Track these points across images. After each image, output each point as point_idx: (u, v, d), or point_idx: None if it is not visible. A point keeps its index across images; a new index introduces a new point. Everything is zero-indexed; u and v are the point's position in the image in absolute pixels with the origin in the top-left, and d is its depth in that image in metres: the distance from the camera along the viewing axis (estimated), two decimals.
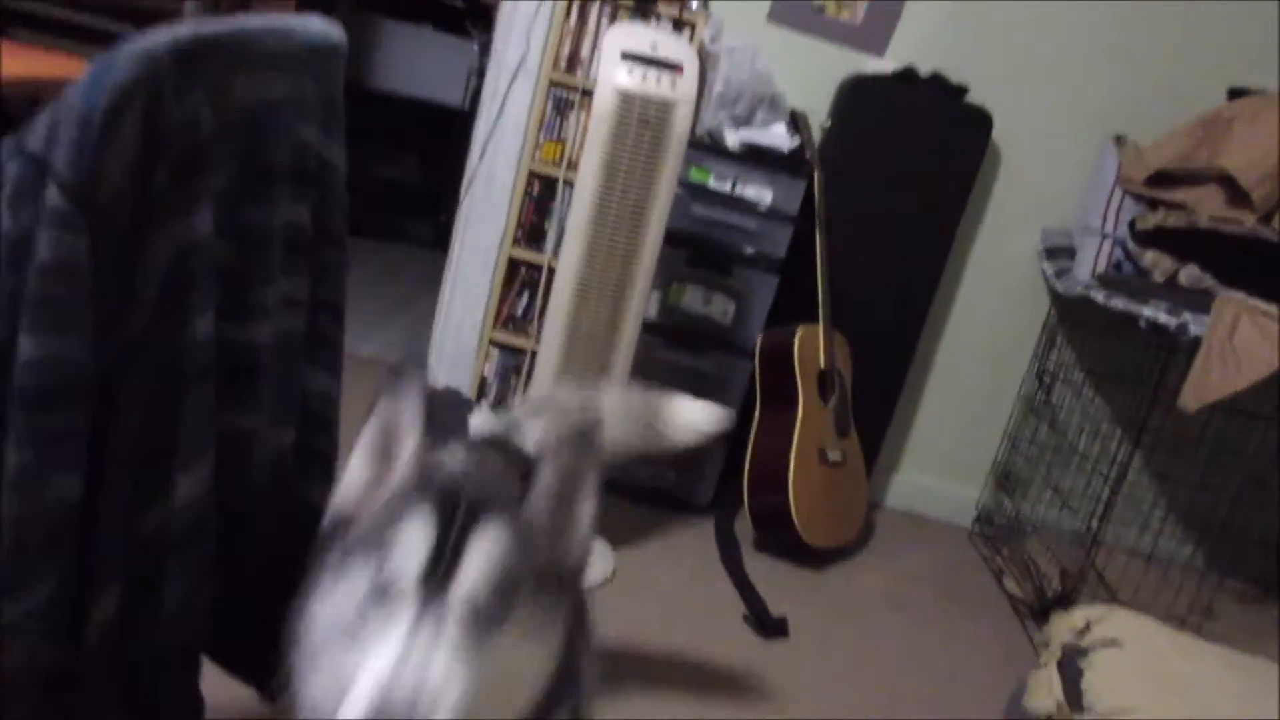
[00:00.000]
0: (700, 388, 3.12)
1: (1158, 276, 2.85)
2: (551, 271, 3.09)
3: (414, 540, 0.84)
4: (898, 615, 2.90)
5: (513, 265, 3.42)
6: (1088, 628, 1.89)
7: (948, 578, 3.22)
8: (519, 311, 3.46)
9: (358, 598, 0.83)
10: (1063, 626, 1.94)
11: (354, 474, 0.98)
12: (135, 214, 0.92)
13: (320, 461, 1.36)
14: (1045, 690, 1.87)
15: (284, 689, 1.52)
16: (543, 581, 0.88)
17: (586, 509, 0.97)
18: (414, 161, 5.59)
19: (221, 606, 1.25)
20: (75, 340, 0.89)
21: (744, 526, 3.11)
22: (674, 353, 3.12)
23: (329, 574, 0.89)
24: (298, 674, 0.91)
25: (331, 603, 0.87)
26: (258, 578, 1.31)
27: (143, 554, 1.05)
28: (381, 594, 0.82)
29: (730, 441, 3.15)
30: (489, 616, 0.82)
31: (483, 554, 0.84)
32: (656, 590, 2.68)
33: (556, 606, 0.89)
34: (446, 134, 5.08)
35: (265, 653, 1.45)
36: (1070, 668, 1.82)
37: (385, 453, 0.97)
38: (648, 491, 3.18)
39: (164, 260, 0.96)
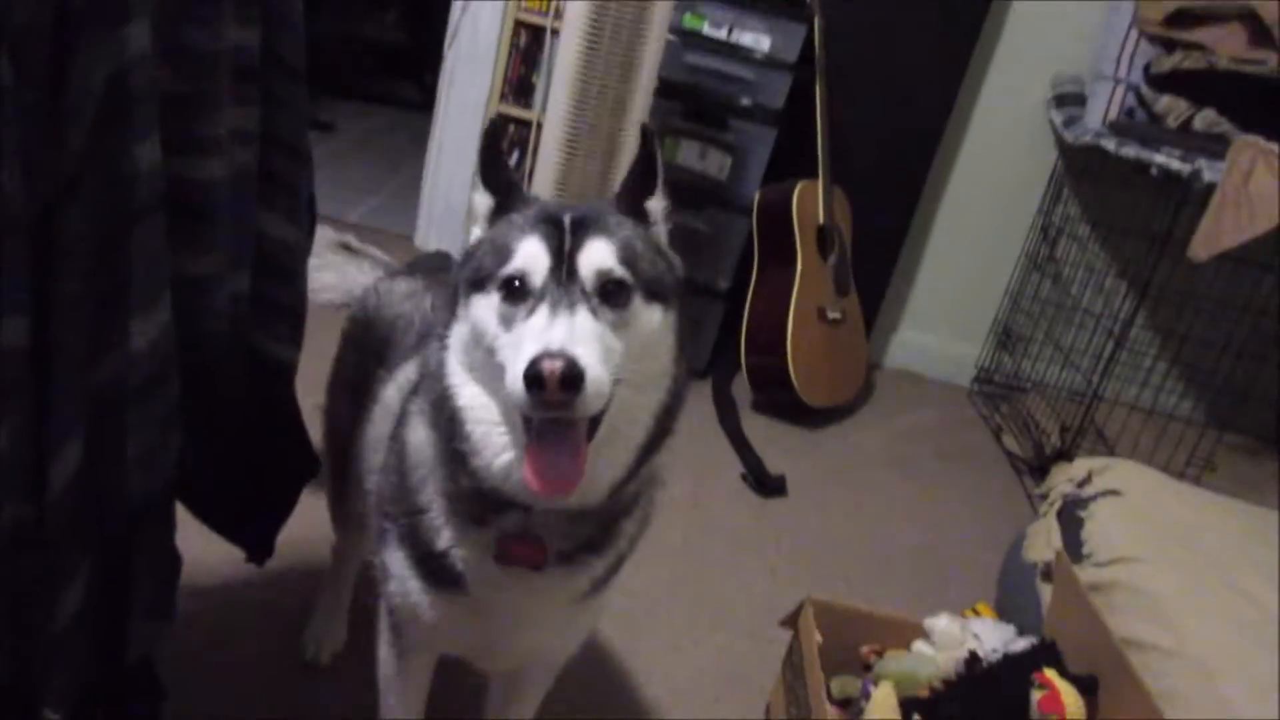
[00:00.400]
0: (696, 247, 3.07)
1: (1171, 122, 2.74)
2: (540, 128, 2.97)
3: (535, 247, 0.94)
4: (896, 473, 2.89)
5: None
6: (1089, 478, 1.86)
7: (946, 436, 3.20)
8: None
9: (495, 309, 0.93)
10: (1063, 477, 1.92)
11: (478, 208, 1.07)
12: (59, 28, 0.83)
13: (284, 314, 1.30)
14: (1044, 540, 1.86)
15: (267, 552, 1.51)
16: (653, 278, 0.97)
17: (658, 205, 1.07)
18: (395, 18, 5.35)
19: (196, 462, 1.20)
20: (7, 173, 0.81)
21: (741, 388, 3.08)
22: (670, 210, 3.02)
23: (464, 300, 0.98)
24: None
25: (476, 319, 0.96)
26: (229, 431, 1.26)
27: (101, 405, 0.99)
28: (518, 295, 0.92)
29: (727, 302, 3.10)
30: (616, 295, 0.93)
31: (596, 251, 0.94)
32: None
33: (668, 306, 0.98)
34: None
35: (245, 511, 1.43)
36: (1070, 518, 1.81)
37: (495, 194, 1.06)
38: None
39: (97, 82, 0.87)
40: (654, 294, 0.97)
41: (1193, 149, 2.59)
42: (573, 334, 0.87)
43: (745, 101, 2.92)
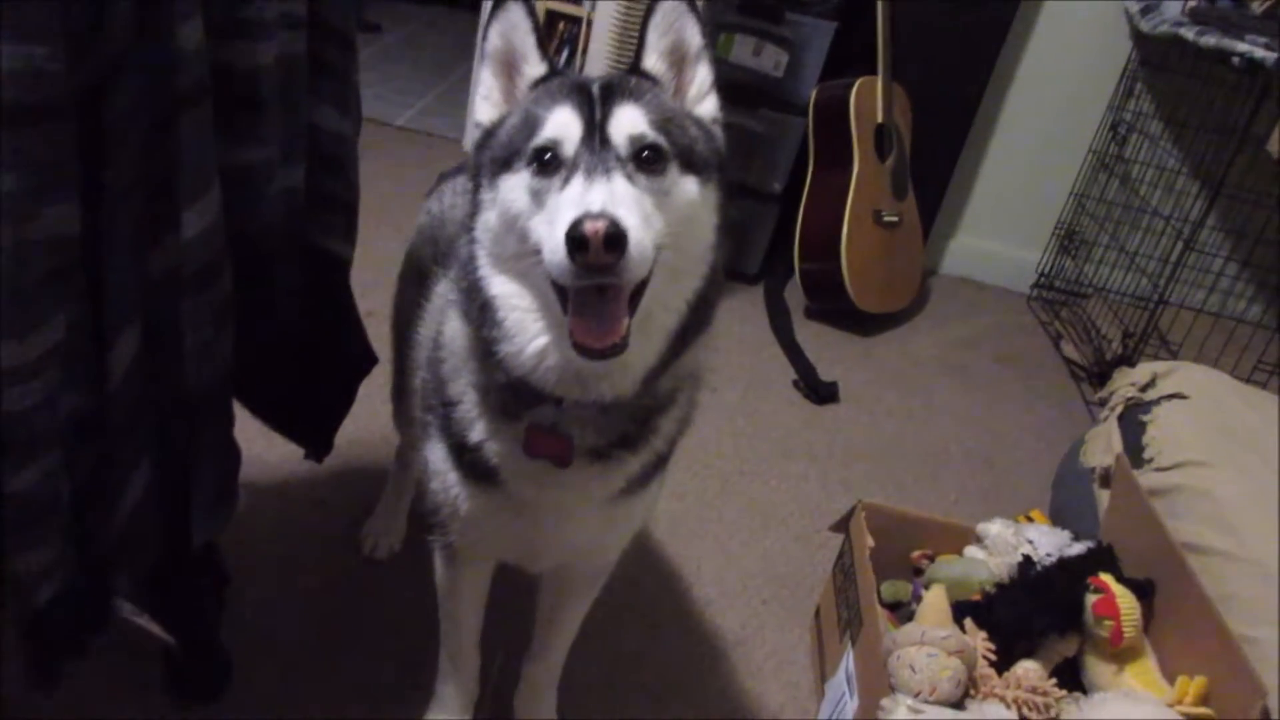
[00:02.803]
0: (751, 147, 2.99)
1: (1257, 8, 2.58)
2: (591, 24, 2.89)
3: (566, 115, 0.90)
4: (950, 380, 2.84)
5: (550, 19, 3.21)
6: (1153, 382, 1.81)
7: (1004, 342, 3.14)
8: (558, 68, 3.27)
9: (525, 186, 0.90)
10: (1125, 381, 1.87)
11: (486, 85, 1.02)
12: None
13: (337, 208, 1.29)
14: (1103, 445, 1.82)
15: (327, 447, 1.53)
16: (688, 146, 0.94)
17: (703, 67, 1.02)
18: None
19: (253, 357, 1.21)
20: (47, 50, 0.79)
21: (795, 294, 3.03)
22: (722, 110, 2.94)
23: (489, 183, 0.95)
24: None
25: (504, 201, 0.92)
26: (286, 326, 1.27)
27: (156, 295, 0.99)
28: (550, 166, 0.89)
29: (781, 205, 3.04)
30: (652, 162, 0.90)
31: (629, 116, 0.91)
32: (703, 356, 2.63)
33: (707, 179, 0.95)
34: None
35: (303, 408, 1.45)
36: (1132, 422, 1.76)
37: (508, 68, 1.02)
38: None
39: None
40: (691, 164, 0.93)
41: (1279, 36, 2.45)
42: (613, 197, 0.84)
43: None
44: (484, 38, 1.02)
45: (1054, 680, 1.42)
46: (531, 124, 0.92)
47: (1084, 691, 1.45)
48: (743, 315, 2.92)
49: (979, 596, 1.54)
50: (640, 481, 1.08)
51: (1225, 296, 2.94)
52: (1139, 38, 3.07)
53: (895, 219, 2.97)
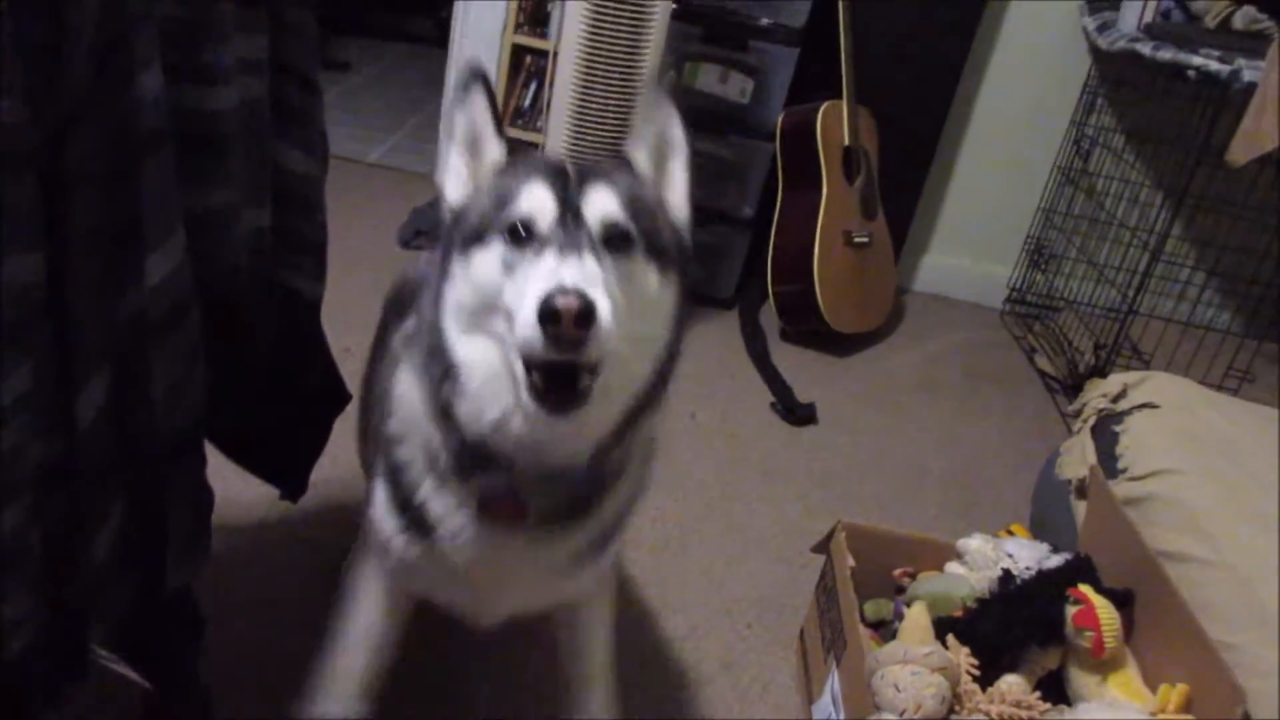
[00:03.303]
0: (721, 173, 3.02)
1: (1209, 21, 2.64)
2: (557, 57, 2.91)
3: (542, 192, 0.94)
4: (927, 396, 2.86)
5: (517, 53, 3.24)
6: (1124, 392, 1.83)
7: (978, 358, 3.17)
8: (526, 103, 3.30)
9: (498, 257, 0.93)
10: (1096, 393, 1.89)
11: (455, 167, 1.05)
12: None
13: (306, 248, 1.29)
14: (1078, 457, 1.84)
15: (301, 489, 1.51)
16: (655, 235, 0.97)
17: (679, 166, 1.06)
18: None
19: (224, 397, 1.21)
20: (9, 103, 0.80)
21: (769, 317, 3.05)
22: (691, 138, 2.97)
23: (460, 255, 0.96)
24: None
25: (475, 272, 0.94)
26: (256, 367, 1.27)
27: (124, 340, 0.99)
28: (524, 240, 0.92)
29: (753, 230, 3.06)
30: (619, 245, 0.93)
31: (601, 199, 0.94)
32: (682, 383, 2.59)
33: (668, 269, 0.98)
34: None
35: (276, 448, 1.44)
36: (1104, 433, 1.78)
37: (475, 149, 1.05)
38: None
39: (93, 10, 0.85)
40: (655, 252, 0.96)
41: (1232, 49, 2.51)
42: (584, 275, 0.86)
43: (765, 21, 2.85)
44: (452, 120, 1.05)
45: (1038, 693, 1.43)
46: (505, 199, 0.95)
47: (1069, 703, 1.45)
48: (719, 339, 2.93)
49: (961, 612, 1.54)
50: (586, 552, 1.09)
51: (1194, 305, 2.98)
52: (1098, 54, 3.12)
53: (866, 239, 2.99)
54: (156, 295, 0.99)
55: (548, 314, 0.82)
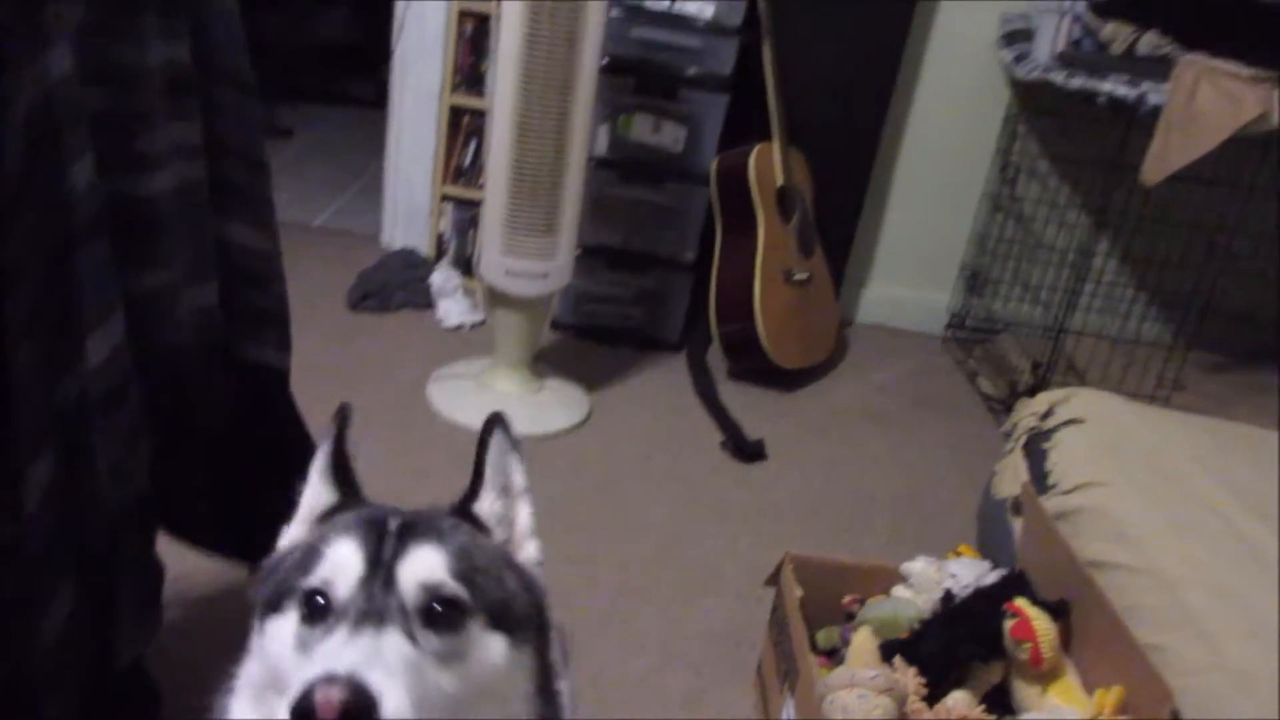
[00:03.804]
0: (658, 221, 3.09)
1: (1117, 48, 2.76)
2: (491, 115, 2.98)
3: (347, 551, 0.78)
4: (874, 426, 2.93)
5: (455, 113, 3.31)
6: (1051, 410, 1.90)
7: (922, 385, 3.24)
8: (466, 162, 3.36)
9: (292, 631, 0.77)
10: (1026, 412, 1.96)
11: (300, 515, 0.93)
12: None
13: (267, 321, 1.32)
14: (1011, 475, 1.90)
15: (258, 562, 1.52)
16: (500, 599, 0.82)
17: (524, 510, 0.94)
18: (346, 17, 5.33)
19: (176, 477, 1.23)
20: None
21: (716, 358, 3.11)
22: (629, 187, 3.05)
23: (259, 623, 0.82)
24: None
25: (267, 647, 0.79)
26: (212, 443, 1.29)
27: (67, 421, 1.02)
28: (318, 612, 0.76)
29: (694, 274, 3.13)
30: (448, 616, 0.76)
31: (425, 558, 0.78)
32: (633, 427, 2.69)
33: (520, 639, 0.82)
34: None
35: (239, 520, 1.46)
36: (1035, 450, 1.84)
37: (312, 505, 0.93)
38: (616, 332, 3.16)
39: (21, 108, 0.89)
40: (501, 622, 0.79)
41: (1139, 74, 2.62)
42: (373, 657, 0.69)
43: (693, 70, 2.94)
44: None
45: (983, 707, 1.47)
46: (308, 560, 0.79)
47: (1014, 715, 1.50)
48: (667, 383, 2.98)
49: (908, 634, 1.59)
50: None
51: (1124, 319, 3.08)
52: (1016, 85, 3.25)
53: (805, 276, 3.07)
54: (96, 376, 1.03)
55: (302, 714, 0.63)
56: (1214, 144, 2.39)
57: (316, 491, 0.93)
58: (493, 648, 0.78)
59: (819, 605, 1.71)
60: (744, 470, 2.58)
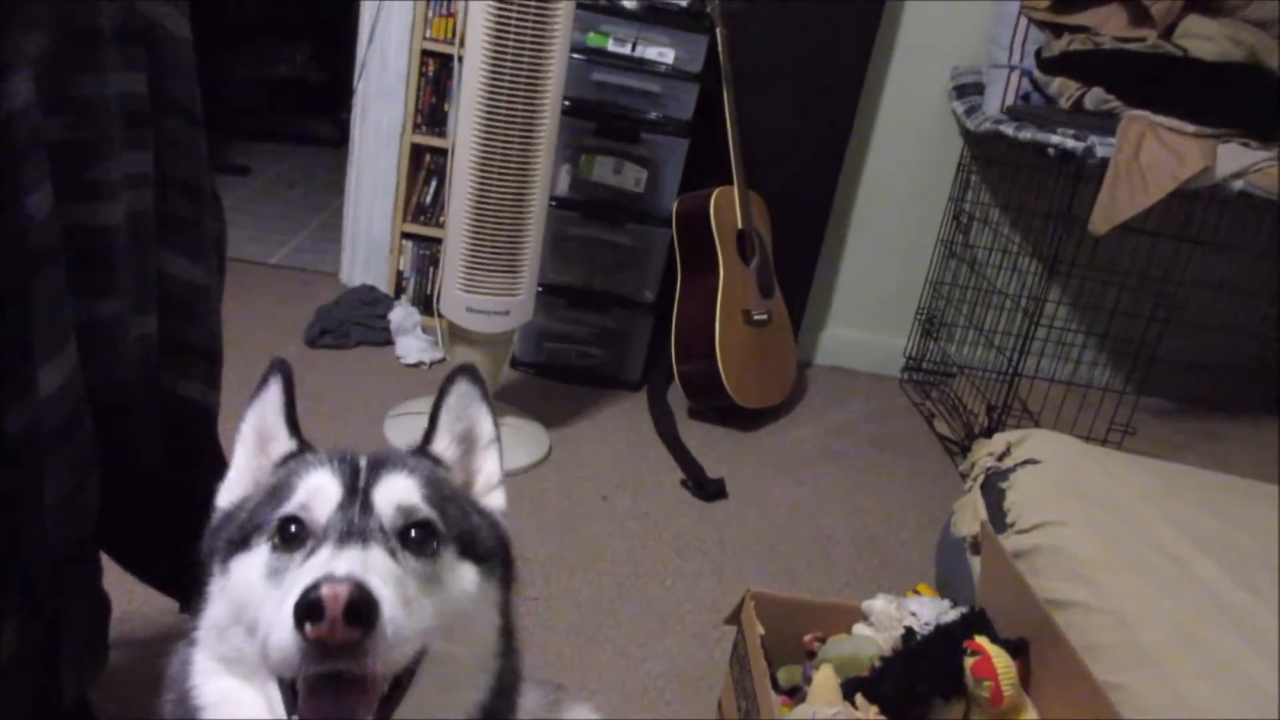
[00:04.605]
0: (619, 261, 3.11)
1: (1064, 103, 2.84)
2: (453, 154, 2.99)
3: (323, 478, 0.80)
4: (833, 466, 2.94)
5: (416, 152, 3.31)
6: (1008, 450, 1.93)
7: (880, 426, 3.27)
8: (428, 200, 3.36)
9: (263, 563, 0.77)
10: (983, 452, 1.98)
11: (237, 467, 0.94)
12: None
13: (196, 355, 1.30)
14: (970, 514, 1.91)
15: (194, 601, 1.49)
16: (466, 530, 0.84)
17: (491, 458, 0.95)
18: (308, 56, 5.34)
19: (119, 508, 1.20)
20: None
21: (677, 397, 3.11)
22: (590, 227, 3.07)
23: (220, 567, 0.82)
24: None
25: (233, 585, 0.79)
26: (149, 476, 1.26)
27: (15, 453, 0.99)
28: (297, 539, 0.76)
29: (655, 314, 3.14)
30: (423, 540, 0.78)
31: (394, 488, 0.80)
32: (594, 465, 2.68)
33: (488, 569, 0.84)
34: (338, 22, 4.84)
35: (174, 559, 1.42)
36: (993, 490, 1.86)
37: (260, 447, 0.95)
38: (576, 370, 3.16)
39: None
40: (471, 550, 0.82)
41: (1085, 127, 2.69)
42: (365, 565, 0.69)
43: (654, 114, 2.97)
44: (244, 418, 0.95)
45: None
46: (280, 493, 0.80)
47: None
48: (628, 422, 2.98)
49: (869, 672, 1.59)
50: None
51: (1076, 364, 3.14)
52: (968, 136, 3.33)
53: (765, 316, 3.10)
54: (49, 406, 1.00)
55: (309, 606, 0.63)
56: (1159, 196, 2.46)
57: (260, 443, 0.93)
58: (465, 575, 0.80)
59: (780, 643, 1.71)
60: (705, 509, 2.57)
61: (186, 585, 1.43)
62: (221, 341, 1.37)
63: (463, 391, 0.95)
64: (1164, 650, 1.40)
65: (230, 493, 0.91)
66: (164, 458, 1.27)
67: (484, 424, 0.96)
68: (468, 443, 0.96)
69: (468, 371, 0.96)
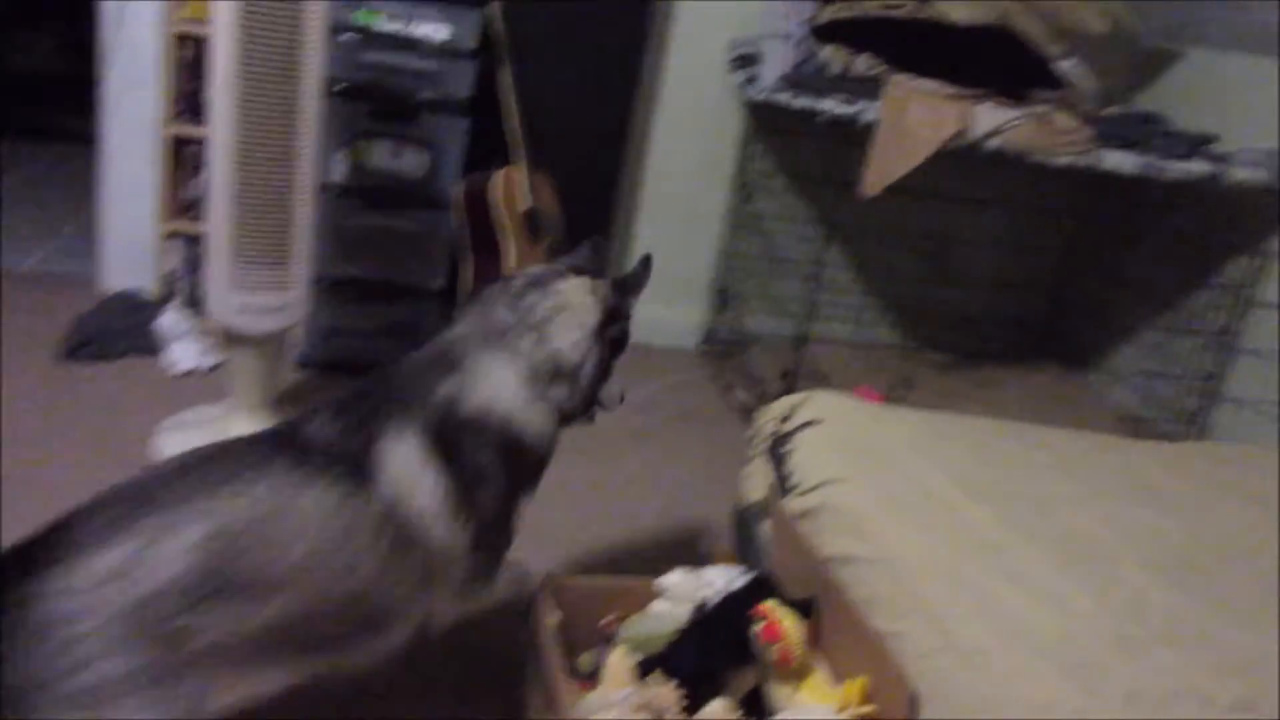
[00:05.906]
0: (405, 249, 2.99)
1: (835, 70, 2.92)
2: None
3: None
4: (636, 446, 2.93)
5: (179, 143, 3.08)
6: (790, 414, 1.96)
7: (680, 400, 3.29)
8: (197, 194, 3.13)
9: None
10: (768, 418, 2.01)
11: None
12: None
13: None
14: (759, 480, 1.94)
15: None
16: None
17: None
18: (52, 46, 4.90)
19: None
20: None
21: None
22: (370, 215, 2.94)
23: None
24: None
25: None
26: None
27: None
28: None
29: (442, 301, 3.05)
30: None
31: None
32: None
33: None
34: (84, 6, 4.45)
35: None
36: (778, 454, 1.89)
37: None
38: (366, 366, 3.01)
39: None
40: None
41: (855, 93, 2.78)
42: None
43: (429, 94, 2.87)
44: None
45: (741, 712, 1.48)
46: None
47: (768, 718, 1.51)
48: None
49: (666, 648, 1.57)
50: None
51: (859, 326, 3.26)
52: (748, 105, 3.38)
53: None
54: None
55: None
56: (923, 158, 2.56)
57: None
58: None
59: (583, 630, 1.68)
60: None
61: None
62: None
63: None
64: (935, 594, 1.44)
65: None
66: None
67: None
68: None
69: None
